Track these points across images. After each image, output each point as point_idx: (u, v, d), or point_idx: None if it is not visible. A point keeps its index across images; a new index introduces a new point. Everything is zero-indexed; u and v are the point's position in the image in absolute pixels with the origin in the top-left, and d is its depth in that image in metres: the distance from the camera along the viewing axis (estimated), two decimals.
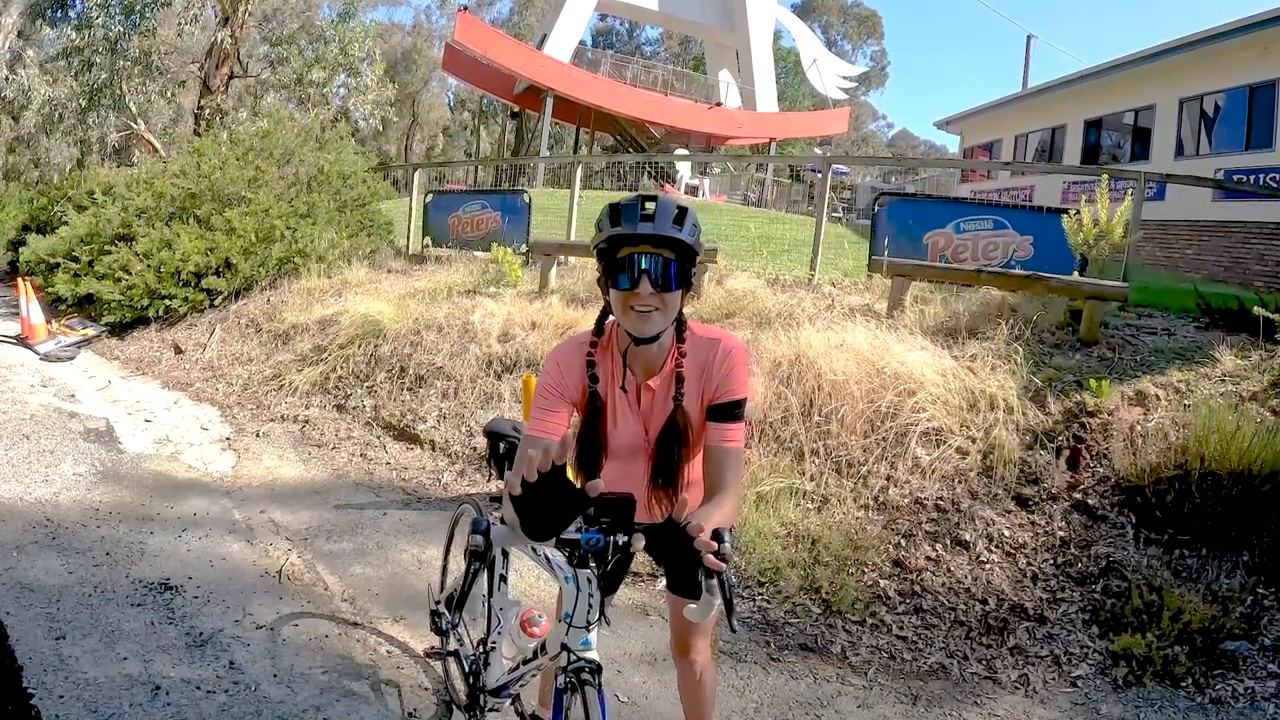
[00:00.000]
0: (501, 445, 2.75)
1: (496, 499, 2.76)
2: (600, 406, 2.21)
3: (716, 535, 1.85)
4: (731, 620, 1.88)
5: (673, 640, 2.58)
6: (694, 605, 1.89)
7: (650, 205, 2.01)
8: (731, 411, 2.15)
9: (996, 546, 4.40)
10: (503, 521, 1.98)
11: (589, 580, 1.98)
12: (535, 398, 2.23)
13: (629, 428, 2.24)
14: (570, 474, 2.20)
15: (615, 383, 2.24)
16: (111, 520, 4.70)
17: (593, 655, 2.06)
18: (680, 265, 2.05)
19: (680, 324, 2.18)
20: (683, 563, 1.77)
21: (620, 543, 1.87)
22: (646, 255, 2.02)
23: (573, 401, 2.22)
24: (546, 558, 2.45)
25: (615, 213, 2.04)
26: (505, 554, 2.69)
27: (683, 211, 2.02)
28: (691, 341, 2.20)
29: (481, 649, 2.70)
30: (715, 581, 1.86)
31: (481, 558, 1.98)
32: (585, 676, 2.02)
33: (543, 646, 2.23)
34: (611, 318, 2.21)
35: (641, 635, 3.87)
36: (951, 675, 3.71)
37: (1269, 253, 12.85)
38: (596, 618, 2.01)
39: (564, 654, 2.05)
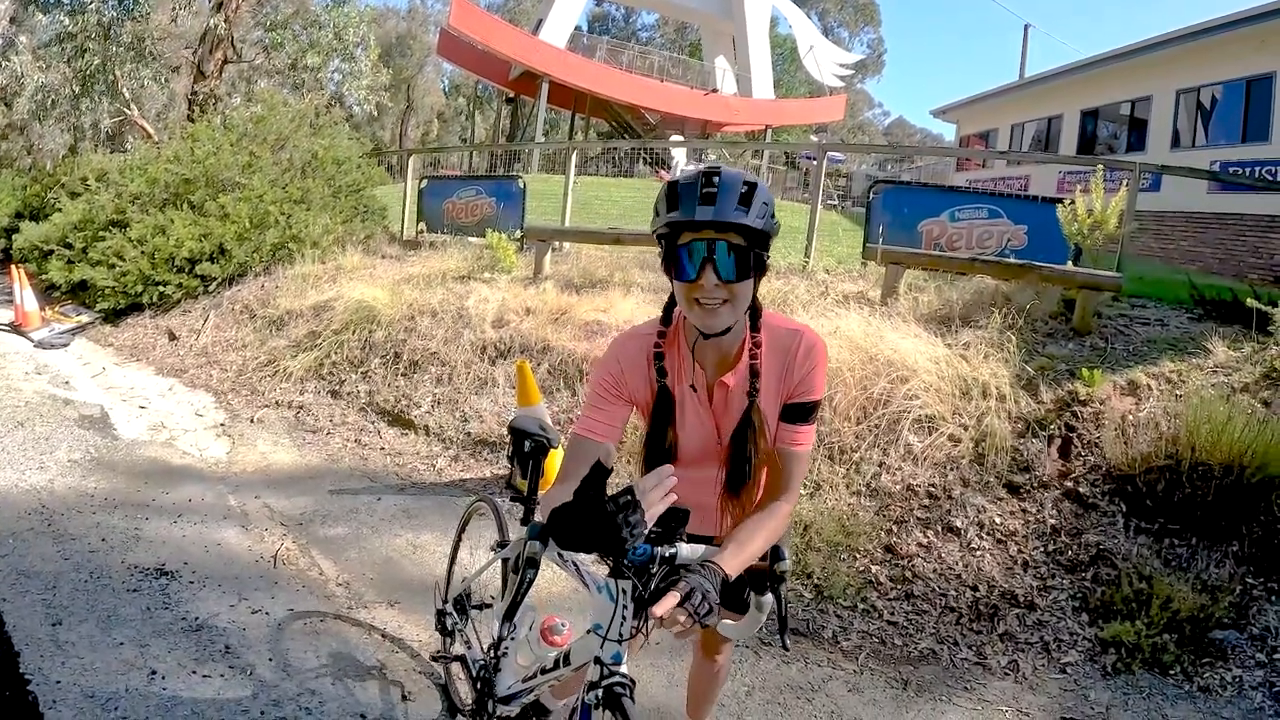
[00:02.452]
0: (526, 443, 2.61)
1: (518, 499, 2.64)
2: (670, 404, 2.00)
3: (775, 552, 1.79)
4: (785, 637, 1.77)
5: (703, 641, 2.51)
6: (731, 621, 1.82)
7: (713, 183, 1.76)
8: (806, 413, 1.98)
9: (988, 533, 4.43)
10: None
11: (625, 592, 1.81)
12: (589, 394, 2.05)
13: (700, 429, 2.04)
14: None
15: (684, 379, 2.02)
16: (107, 506, 4.71)
17: (625, 669, 1.88)
18: (749, 251, 1.80)
19: (755, 312, 1.96)
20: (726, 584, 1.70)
21: (667, 555, 1.72)
22: (710, 242, 1.78)
23: (633, 401, 2.04)
24: (575, 564, 2.28)
25: (674, 194, 1.81)
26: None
27: (751, 188, 1.76)
28: (768, 332, 1.98)
29: (493, 654, 2.51)
30: (767, 598, 1.79)
31: (537, 565, 1.81)
32: (619, 691, 1.83)
33: (565, 657, 2.08)
34: (678, 307, 1.96)
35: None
36: (942, 661, 3.74)
37: (1263, 245, 12.90)
38: (630, 633, 1.82)
39: (596, 668, 1.89)
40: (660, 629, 1.61)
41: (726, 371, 1.98)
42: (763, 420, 1.97)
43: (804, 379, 1.96)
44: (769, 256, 1.88)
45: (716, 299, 1.80)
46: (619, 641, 1.85)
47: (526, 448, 2.61)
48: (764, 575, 1.79)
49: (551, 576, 4.12)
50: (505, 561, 2.62)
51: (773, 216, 1.82)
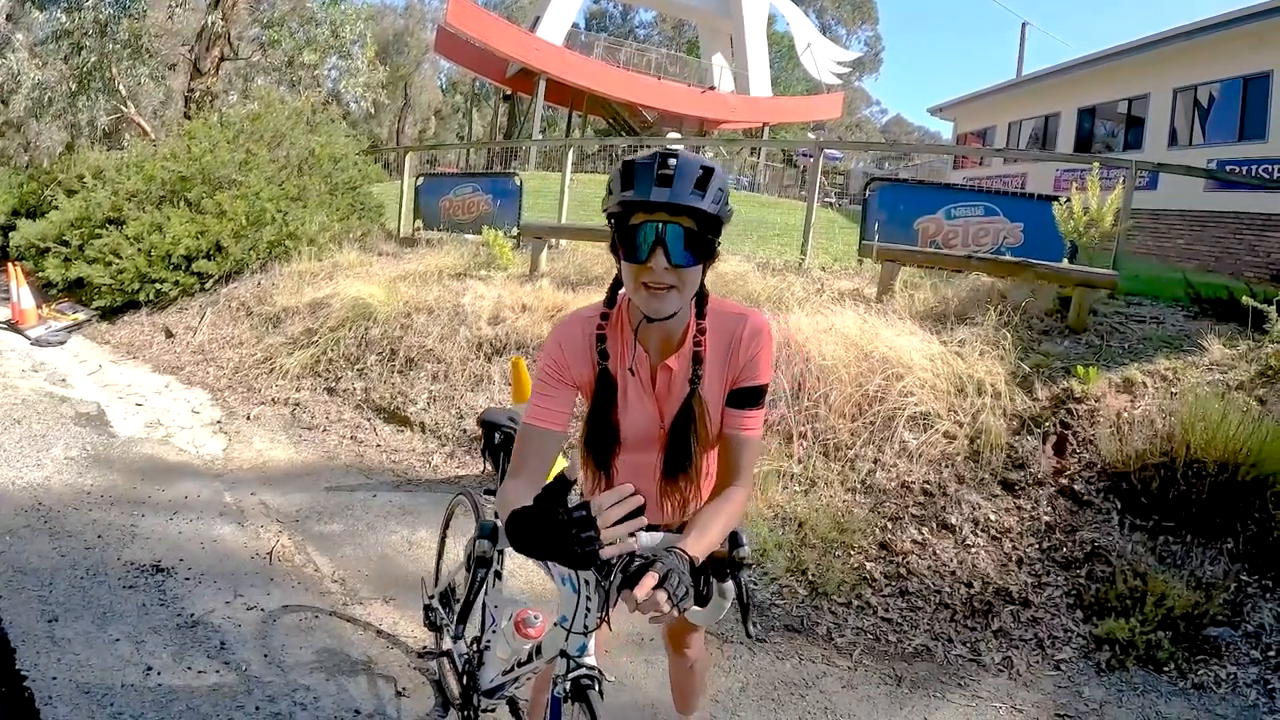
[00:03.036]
0: (497, 435, 2.58)
1: (491, 492, 2.63)
2: (612, 387, 1.95)
3: (734, 538, 1.76)
4: (749, 623, 1.76)
5: (668, 636, 2.48)
6: (699, 608, 1.77)
7: (669, 165, 1.72)
8: (754, 397, 1.94)
9: (982, 530, 4.44)
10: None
11: (588, 584, 1.83)
12: (535, 382, 1.99)
13: (642, 413, 1.99)
14: (580, 469, 2.03)
15: (625, 362, 1.96)
16: (103, 503, 4.71)
17: (592, 661, 1.91)
18: (701, 236, 1.76)
19: (701, 297, 1.92)
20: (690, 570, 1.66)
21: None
22: (662, 224, 1.74)
23: (577, 384, 1.97)
24: None
25: (629, 172, 1.75)
26: (500, 550, 2.50)
27: (707, 173, 1.73)
28: (714, 317, 1.94)
29: (475, 648, 2.56)
30: (730, 584, 1.77)
31: (488, 564, 1.79)
32: (585, 683, 1.87)
33: (538, 649, 2.09)
34: (624, 289, 1.91)
35: (627, 615, 3.88)
36: (936, 657, 3.75)
37: (1260, 243, 12.88)
38: (595, 624, 1.83)
39: (563, 660, 1.91)
40: (636, 613, 1.58)
41: (670, 355, 1.95)
42: (704, 408, 1.94)
43: (749, 363, 1.93)
44: (720, 243, 1.85)
45: (665, 283, 1.77)
46: (584, 633, 1.86)
47: (496, 440, 2.60)
48: (724, 562, 1.76)
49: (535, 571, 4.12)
50: None
51: (727, 203, 1.79)
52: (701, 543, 1.73)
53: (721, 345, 1.94)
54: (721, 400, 1.96)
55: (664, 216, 1.73)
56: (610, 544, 1.51)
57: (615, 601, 1.65)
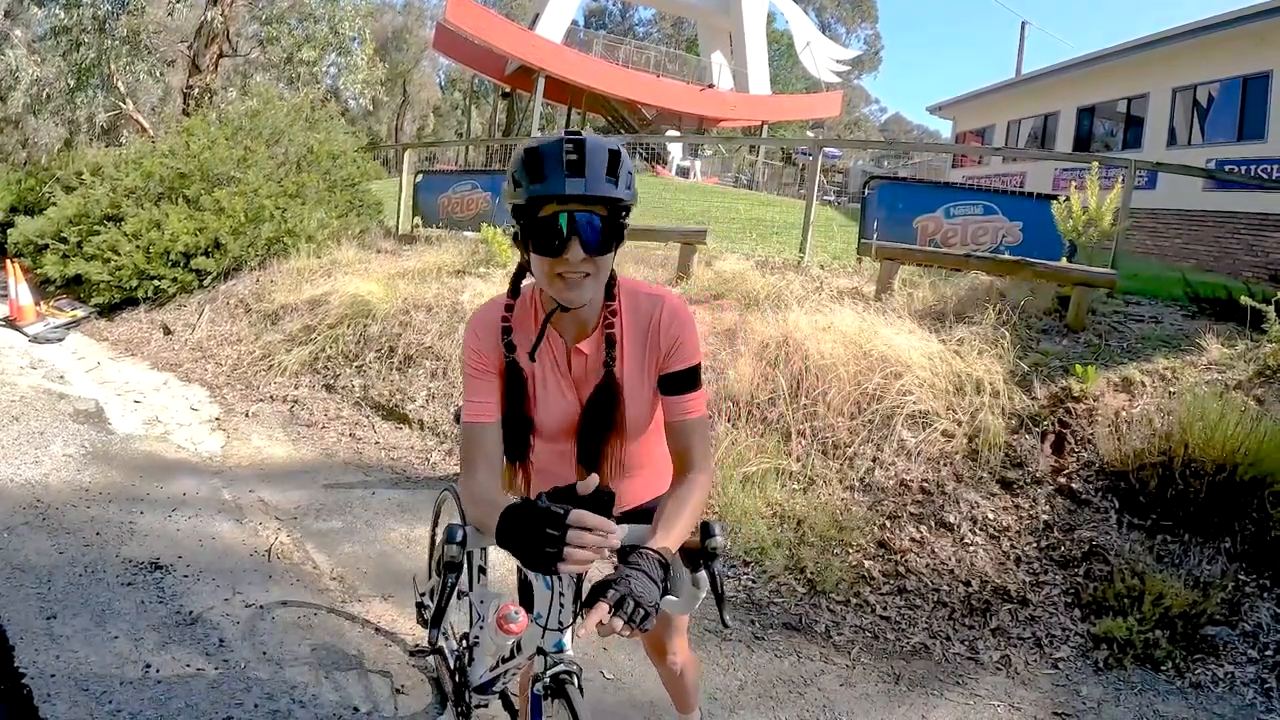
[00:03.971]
0: None
1: None
2: (521, 378, 1.92)
3: (706, 529, 1.74)
4: (724, 614, 1.72)
5: (649, 648, 2.44)
6: (675, 598, 1.76)
7: (575, 152, 1.66)
8: (689, 381, 1.91)
9: (980, 529, 4.44)
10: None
11: (560, 579, 1.80)
12: (464, 379, 1.95)
13: (560, 400, 1.96)
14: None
15: (533, 349, 1.93)
16: (101, 500, 4.71)
17: (570, 656, 1.89)
18: (614, 221, 1.74)
19: (610, 278, 1.88)
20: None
21: None
22: (575, 214, 1.70)
23: (498, 373, 1.94)
24: None
25: (535, 162, 1.68)
26: (484, 548, 2.52)
27: (615, 157, 1.69)
28: (628, 298, 1.93)
29: (465, 644, 2.58)
30: (703, 574, 1.75)
31: (457, 569, 1.77)
32: (564, 679, 1.85)
33: (518, 645, 2.08)
34: (529, 279, 1.89)
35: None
36: (934, 655, 3.75)
37: (1258, 243, 12.90)
38: (571, 620, 1.83)
39: (541, 658, 1.90)
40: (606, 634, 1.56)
41: (583, 339, 1.93)
42: (620, 389, 1.91)
43: (676, 347, 1.91)
44: (628, 224, 1.81)
45: (580, 272, 1.74)
46: (560, 630, 1.84)
47: None
48: (697, 553, 1.75)
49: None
50: (470, 554, 2.59)
51: (633, 185, 1.77)
52: (670, 535, 1.72)
53: (638, 328, 1.93)
54: (646, 385, 1.95)
55: (576, 206, 1.70)
56: (573, 563, 1.48)
57: (579, 612, 1.64)
